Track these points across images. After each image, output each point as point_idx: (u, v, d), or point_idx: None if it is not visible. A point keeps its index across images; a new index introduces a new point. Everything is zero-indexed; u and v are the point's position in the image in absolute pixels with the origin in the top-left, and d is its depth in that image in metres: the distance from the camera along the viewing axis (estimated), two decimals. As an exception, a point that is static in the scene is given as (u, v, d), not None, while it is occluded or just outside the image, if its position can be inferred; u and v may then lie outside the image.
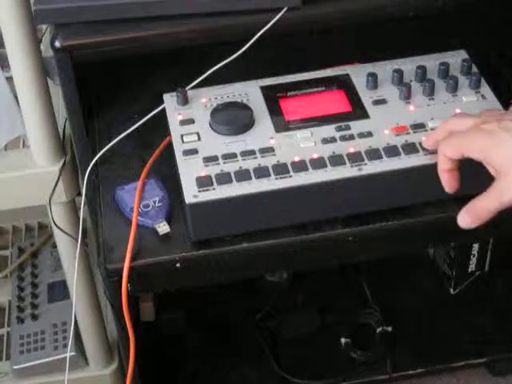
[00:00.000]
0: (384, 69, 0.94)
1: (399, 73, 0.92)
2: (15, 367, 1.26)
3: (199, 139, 0.87)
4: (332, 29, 0.95)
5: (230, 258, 0.85)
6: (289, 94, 0.93)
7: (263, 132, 0.88)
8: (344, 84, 0.94)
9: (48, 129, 0.97)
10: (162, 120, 0.91)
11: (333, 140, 0.86)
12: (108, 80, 1.06)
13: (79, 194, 1.04)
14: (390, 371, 1.27)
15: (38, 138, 0.98)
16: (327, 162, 0.84)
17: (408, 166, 0.84)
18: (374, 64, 0.96)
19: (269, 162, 0.84)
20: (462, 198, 0.80)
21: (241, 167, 0.84)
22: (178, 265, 0.84)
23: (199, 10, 0.88)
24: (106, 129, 0.99)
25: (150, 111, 0.92)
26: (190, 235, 0.84)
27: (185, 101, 0.92)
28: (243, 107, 0.90)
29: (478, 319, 1.33)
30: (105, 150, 0.92)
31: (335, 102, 0.92)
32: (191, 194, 0.81)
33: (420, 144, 0.85)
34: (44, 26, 1.03)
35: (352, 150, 0.85)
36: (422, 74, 0.93)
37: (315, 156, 0.84)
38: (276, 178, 0.83)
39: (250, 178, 0.83)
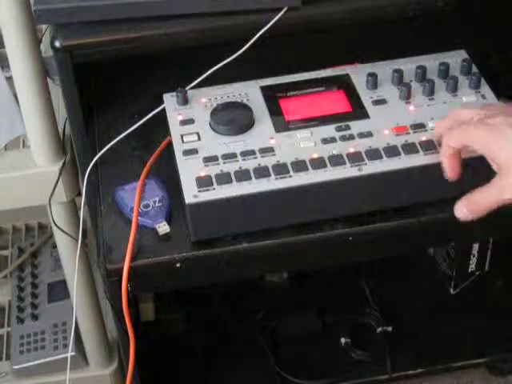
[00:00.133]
0: (384, 69, 0.94)
1: (399, 73, 0.93)
2: (15, 367, 1.26)
3: (199, 139, 0.87)
4: (332, 29, 0.94)
5: (230, 258, 0.85)
6: (289, 93, 0.93)
7: (263, 132, 0.88)
8: (344, 84, 0.94)
9: (48, 129, 0.97)
10: (161, 120, 0.91)
11: (333, 140, 0.86)
12: (108, 80, 1.06)
13: (79, 194, 1.04)
14: (389, 371, 1.27)
15: (38, 138, 0.98)
16: (327, 162, 0.84)
17: (408, 165, 0.84)
18: (373, 64, 0.96)
19: (269, 161, 0.84)
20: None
21: (241, 167, 0.84)
22: (178, 265, 0.84)
23: (199, 9, 0.88)
24: (106, 129, 0.99)
25: (150, 111, 0.92)
26: (190, 235, 0.84)
27: (185, 101, 0.92)
28: (243, 107, 0.90)
29: (478, 319, 1.33)
30: (105, 149, 0.92)
31: (335, 102, 0.92)
32: (191, 194, 0.81)
33: (420, 144, 0.85)
34: (44, 26, 1.03)
35: (352, 150, 0.85)
36: (421, 73, 0.93)
37: (315, 156, 0.84)
38: (276, 178, 0.83)
39: (250, 178, 0.83)
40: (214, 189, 0.82)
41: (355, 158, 0.84)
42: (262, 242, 0.85)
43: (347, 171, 0.83)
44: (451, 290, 1.38)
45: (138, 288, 0.86)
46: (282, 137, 0.87)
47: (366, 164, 0.84)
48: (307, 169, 0.83)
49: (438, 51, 0.97)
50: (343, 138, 0.87)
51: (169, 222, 0.86)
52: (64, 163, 1.01)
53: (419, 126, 0.88)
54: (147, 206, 0.87)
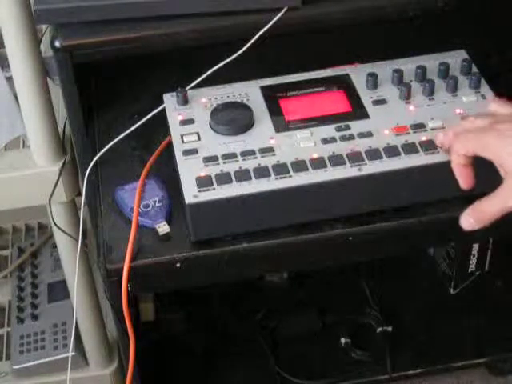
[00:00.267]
0: (384, 69, 0.94)
1: (399, 73, 0.93)
2: (15, 367, 1.26)
3: (199, 139, 0.87)
4: (332, 29, 0.94)
5: (230, 258, 0.85)
6: (289, 93, 0.93)
7: (263, 132, 0.88)
8: (344, 84, 0.94)
9: (48, 129, 0.97)
10: (161, 120, 0.91)
11: (333, 140, 0.86)
12: (108, 80, 1.06)
13: (79, 194, 1.04)
14: (389, 371, 1.27)
15: (38, 138, 0.98)
16: (327, 162, 0.84)
17: (408, 165, 0.84)
18: (373, 64, 0.96)
19: (269, 161, 0.84)
20: (462, 197, 0.80)
21: (241, 167, 0.84)
22: (178, 265, 0.84)
23: (199, 9, 0.88)
24: (106, 129, 0.99)
25: (150, 111, 0.92)
26: (190, 235, 0.84)
27: (185, 101, 0.92)
28: (243, 107, 0.90)
29: (478, 319, 1.33)
30: (105, 149, 0.92)
31: (335, 102, 0.92)
32: (191, 194, 0.81)
33: (420, 144, 0.85)
34: (44, 26, 1.03)
35: (352, 150, 0.85)
36: (421, 73, 0.93)
37: (315, 156, 0.84)
38: (276, 178, 0.83)
39: (250, 178, 0.83)
40: (214, 189, 0.82)
41: (355, 158, 0.84)
42: (261, 241, 0.85)
43: (347, 171, 0.83)
44: (451, 290, 1.38)
45: (138, 288, 0.86)
46: (281, 137, 0.87)
47: (365, 164, 0.84)
48: (307, 169, 0.83)
49: (438, 51, 0.97)
50: (343, 138, 0.87)
51: (169, 222, 0.86)
52: (64, 163, 1.01)
53: (419, 126, 0.88)
54: (147, 206, 0.87)
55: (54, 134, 0.99)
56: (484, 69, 0.94)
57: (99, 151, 0.93)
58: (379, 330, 1.32)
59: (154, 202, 0.87)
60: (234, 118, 0.88)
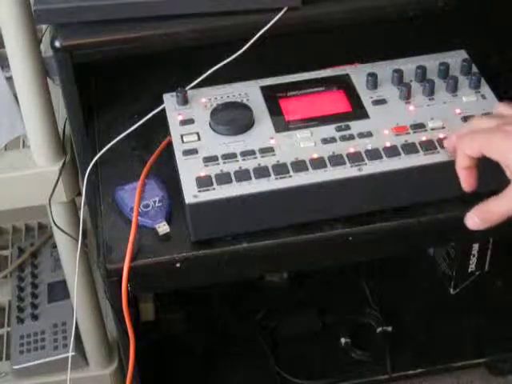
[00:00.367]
0: (384, 69, 0.94)
1: (399, 73, 0.93)
2: (15, 367, 1.26)
3: (199, 139, 0.87)
4: (332, 29, 0.94)
5: (230, 258, 0.85)
6: (289, 93, 0.93)
7: (263, 132, 0.88)
8: (344, 84, 0.94)
9: (48, 129, 0.97)
10: (161, 120, 0.91)
11: (333, 140, 0.86)
12: (108, 80, 1.06)
13: (79, 194, 1.04)
14: (389, 371, 1.27)
15: (38, 138, 0.98)
16: (327, 161, 0.84)
17: (408, 165, 0.84)
18: (373, 64, 0.96)
19: (269, 161, 0.84)
20: (463, 197, 0.80)
21: (241, 167, 0.84)
22: (177, 265, 0.84)
23: (199, 9, 0.88)
24: (106, 129, 0.99)
25: (150, 111, 0.92)
26: (189, 235, 0.84)
27: (185, 101, 0.92)
28: (243, 107, 0.90)
29: (478, 319, 1.33)
30: (105, 149, 0.92)
31: (335, 102, 0.92)
32: (191, 194, 0.81)
33: (420, 144, 0.85)
34: (44, 26, 1.03)
35: (352, 150, 0.85)
36: (421, 73, 0.93)
37: (315, 156, 0.84)
38: (276, 178, 0.83)
39: (250, 178, 0.83)
40: (213, 189, 0.82)
41: (355, 158, 0.84)
42: (261, 241, 0.85)
43: (347, 171, 0.83)
44: (451, 290, 1.38)
45: (138, 288, 0.86)
46: (282, 137, 0.87)
47: (366, 164, 0.84)
48: (307, 169, 0.83)
49: (438, 51, 0.97)
50: (343, 138, 0.87)
51: (169, 222, 0.86)
52: (64, 163, 1.01)
53: (419, 126, 0.88)
54: (147, 206, 0.87)
55: (54, 134, 0.99)
56: (484, 69, 0.94)
57: (99, 151, 0.93)
58: (379, 330, 1.32)
59: (154, 202, 0.87)
60: (233, 118, 0.88)
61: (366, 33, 1.03)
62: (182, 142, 0.87)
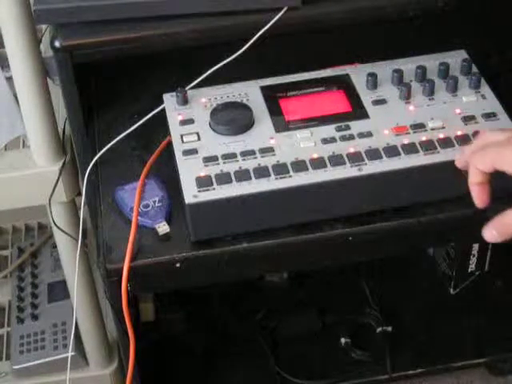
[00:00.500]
0: (384, 69, 0.94)
1: (399, 73, 0.93)
2: (15, 367, 1.26)
3: (199, 139, 0.87)
4: (332, 29, 0.94)
5: (230, 258, 0.85)
6: (289, 93, 0.93)
7: (263, 132, 0.88)
8: (344, 84, 0.94)
9: (48, 129, 0.97)
10: (161, 120, 0.91)
11: (333, 140, 0.86)
12: (108, 80, 1.06)
13: (79, 193, 1.04)
14: (389, 371, 1.27)
15: (38, 138, 0.98)
16: (327, 161, 0.84)
17: (408, 165, 0.84)
18: (373, 64, 0.96)
19: (269, 161, 0.84)
20: (463, 197, 0.80)
21: (241, 167, 0.84)
22: (177, 265, 0.84)
23: (199, 9, 0.88)
24: (106, 129, 0.99)
25: (150, 111, 0.92)
26: (189, 235, 0.84)
27: (185, 101, 0.92)
28: (243, 107, 0.90)
29: (478, 319, 1.33)
30: (105, 149, 0.92)
31: (335, 102, 0.92)
32: (191, 194, 0.81)
33: (420, 144, 0.85)
34: (44, 26, 1.03)
35: (352, 150, 0.85)
36: (421, 73, 0.93)
37: (315, 156, 0.84)
38: (276, 178, 0.83)
39: (250, 178, 0.83)
40: (213, 189, 0.82)
41: (355, 158, 0.84)
42: (261, 242, 0.85)
43: (347, 171, 0.83)
44: (451, 290, 1.38)
45: (138, 288, 0.86)
46: (281, 137, 0.87)
47: (366, 164, 0.84)
48: (307, 169, 0.83)
49: (438, 51, 0.97)
50: (343, 138, 0.87)
51: (169, 222, 0.86)
52: (64, 163, 1.01)
53: (419, 126, 0.88)
54: (147, 206, 0.87)
55: (54, 134, 0.99)
56: (484, 69, 0.94)
57: (99, 151, 0.93)
58: (379, 330, 1.32)
59: (154, 201, 0.87)
60: (233, 118, 0.88)
61: (366, 33, 1.03)
62: (182, 141, 0.87)
